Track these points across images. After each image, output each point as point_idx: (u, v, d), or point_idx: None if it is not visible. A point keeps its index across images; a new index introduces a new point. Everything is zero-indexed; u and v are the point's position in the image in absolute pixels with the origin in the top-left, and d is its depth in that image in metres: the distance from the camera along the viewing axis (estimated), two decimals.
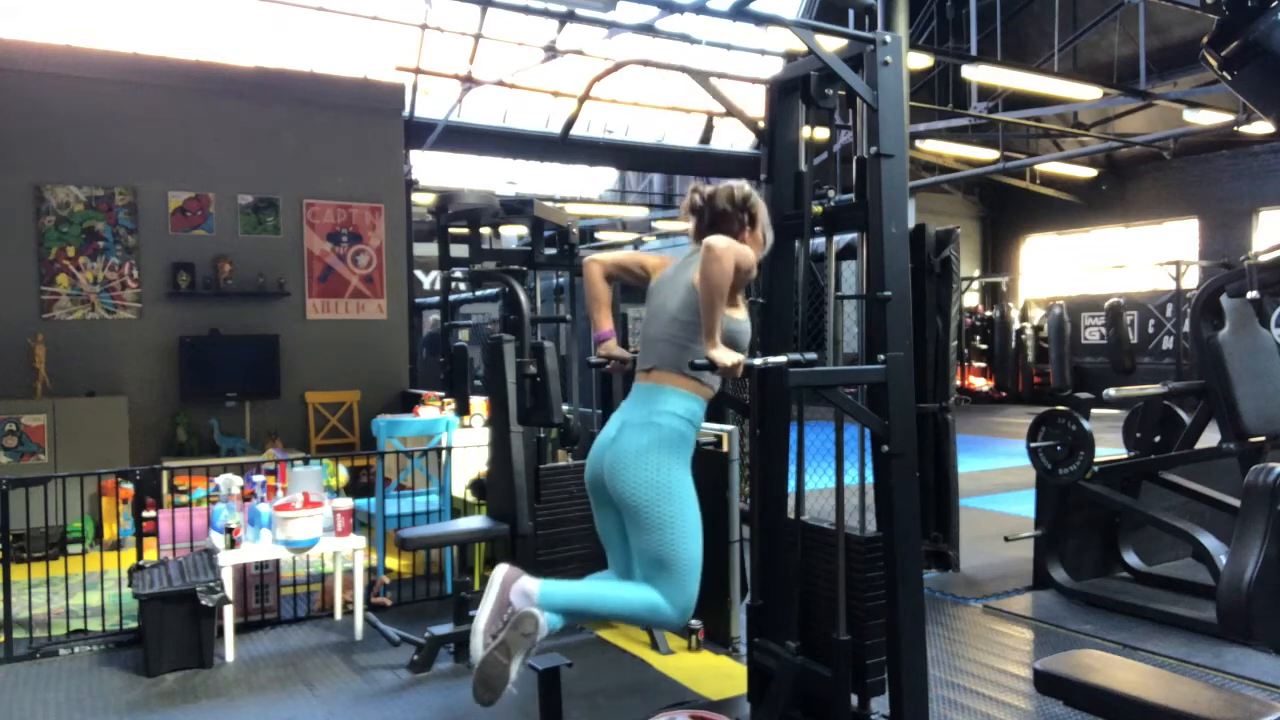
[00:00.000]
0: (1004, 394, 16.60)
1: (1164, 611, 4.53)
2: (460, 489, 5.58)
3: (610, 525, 2.78)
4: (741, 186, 2.79)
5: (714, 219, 2.77)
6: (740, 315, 2.69)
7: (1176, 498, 5.03)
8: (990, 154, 15.47)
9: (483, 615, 2.50)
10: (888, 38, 2.65)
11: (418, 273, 12.63)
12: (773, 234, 2.85)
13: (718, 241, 2.48)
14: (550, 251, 5.05)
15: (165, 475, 6.06)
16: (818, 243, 3.09)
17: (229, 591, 4.19)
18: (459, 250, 4.97)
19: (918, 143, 14.27)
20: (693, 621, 4.25)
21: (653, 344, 2.74)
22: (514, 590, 2.52)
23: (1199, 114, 12.18)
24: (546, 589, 2.54)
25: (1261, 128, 12.21)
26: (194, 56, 7.50)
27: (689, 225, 2.85)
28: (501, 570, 2.57)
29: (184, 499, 5.78)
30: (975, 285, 18.96)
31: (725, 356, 2.45)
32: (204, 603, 4.04)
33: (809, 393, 2.63)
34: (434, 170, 13.70)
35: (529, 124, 13.08)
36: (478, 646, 2.47)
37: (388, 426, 5.58)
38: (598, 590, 2.67)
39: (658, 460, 2.58)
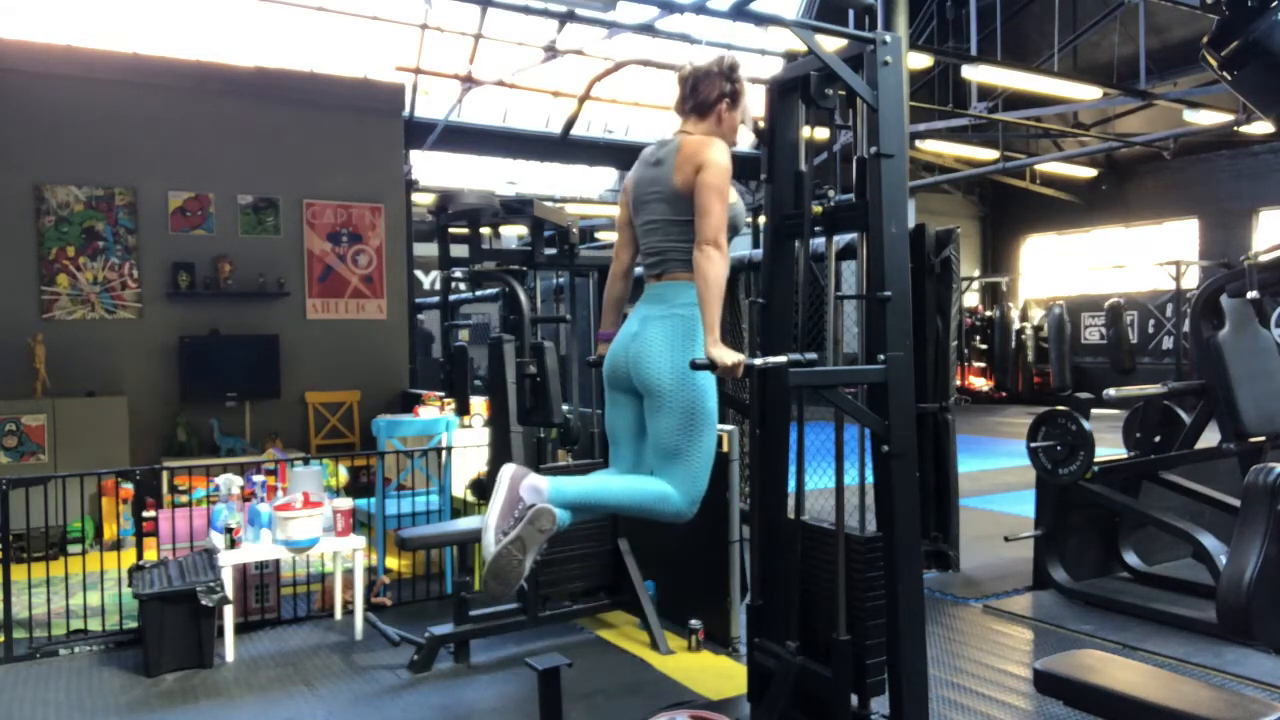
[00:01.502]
0: (1004, 394, 16.61)
1: (1164, 611, 4.53)
2: (460, 489, 5.58)
3: (621, 420, 2.84)
4: (732, 56, 2.85)
5: (696, 82, 2.82)
6: (733, 199, 2.74)
7: (1176, 498, 5.03)
8: (990, 154, 15.48)
9: (493, 512, 2.54)
10: (888, 38, 2.65)
11: (418, 273, 12.62)
12: (751, 124, 2.91)
13: (710, 245, 2.54)
14: (550, 251, 5.05)
15: (165, 475, 6.07)
16: (818, 243, 3.09)
17: (229, 591, 4.19)
18: (459, 250, 4.97)
19: (918, 143, 14.28)
20: (692, 621, 4.25)
21: (654, 252, 2.81)
22: (524, 486, 2.57)
23: (1199, 114, 12.19)
24: (556, 484, 2.60)
25: (1261, 128, 12.22)
26: (194, 56, 7.49)
27: (675, 97, 2.89)
28: (509, 469, 2.62)
29: (184, 499, 5.78)
30: (975, 285, 18.97)
31: (726, 356, 2.47)
32: (204, 603, 4.04)
33: (809, 393, 2.64)
34: (434, 170, 13.70)
35: (529, 124, 13.08)
36: (490, 543, 2.51)
37: (388, 426, 5.58)
38: (607, 483, 2.72)
39: (682, 348, 2.66)
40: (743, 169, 14.18)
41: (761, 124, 3.01)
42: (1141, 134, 14.41)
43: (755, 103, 2.90)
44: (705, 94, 2.81)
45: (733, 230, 2.72)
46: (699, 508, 2.71)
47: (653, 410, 2.69)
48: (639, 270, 2.95)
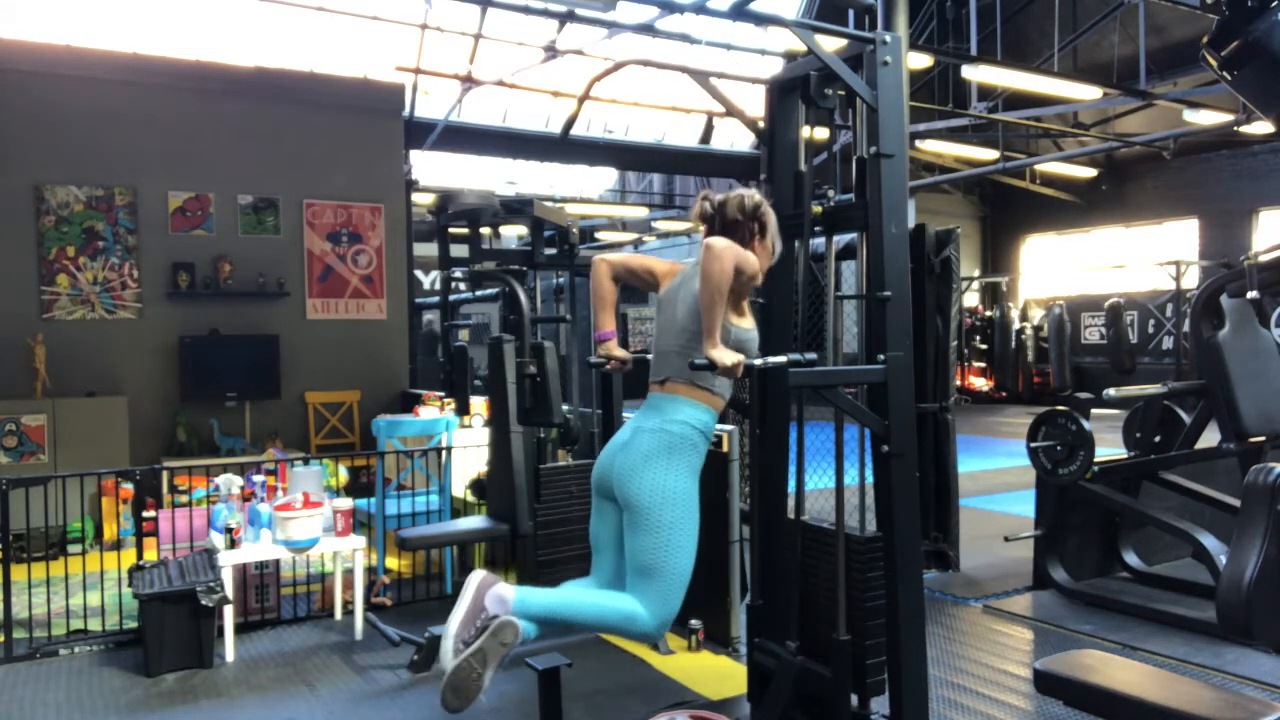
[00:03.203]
0: (1004, 394, 16.61)
1: (1164, 611, 4.53)
2: (460, 489, 5.58)
3: (605, 529, 2.79)
4: (752, 195, 2.80)
5: (724, 227, 2.77)
6: (747, 324, 2.71)
7: (1176, 498, 5.03)
8: (990, 154, 15.48)
9: (455, 620, 2.50)
10: (887, 38, 2.65)
11: (418, 273, 12.63)
12: (782, 243, 2.86)
13: (717, 241, 2.49)
14: (550, 251, 5.05)
15: (165, 475, 6.06)
16: (818, 243, 3.09)
17: (229, 591, 4.19)
18: (459, 250, 4.97)
19: (918, 143, 14.27)
20: (692, 621, 4.25)
21: (664, 356, 2.77)
22: (489, 596, 2.52)
23: (1199, 114, 12.19)
24: (522, 596, 2.55)
25: (1261, 128, 12.22)
26: (194, 56, 7.50)
27: (700, 232, 2.85)
28: (477, 576, 2.58)
29: (184, 499, 5.78)
30: (975, 285, 18.96)
31: (725, 356, 2.46)
32: (204, 603, 4.04)
33: (809, 393, 2.63)
34: (434, 170, 13.73)
35: (529, 124, 13.09)
36: (448, 652, 2.47)
37: (388, 426, 5.58)
38: (575, 598, 2.67)
39: (666, 464, 2.61)
40: (743, 169, 14.20)
41: (762, 125, 3.01)
42: (1141, 134, 14.41)
43: (775, 221, 2.82)
44: (735, 237, 2.73)
45: (745, 354, 2.65)
46: (668, 630, 2.66)
47: (630, 525, 2.63)
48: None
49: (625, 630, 2.62)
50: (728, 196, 2.80)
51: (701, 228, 2.83)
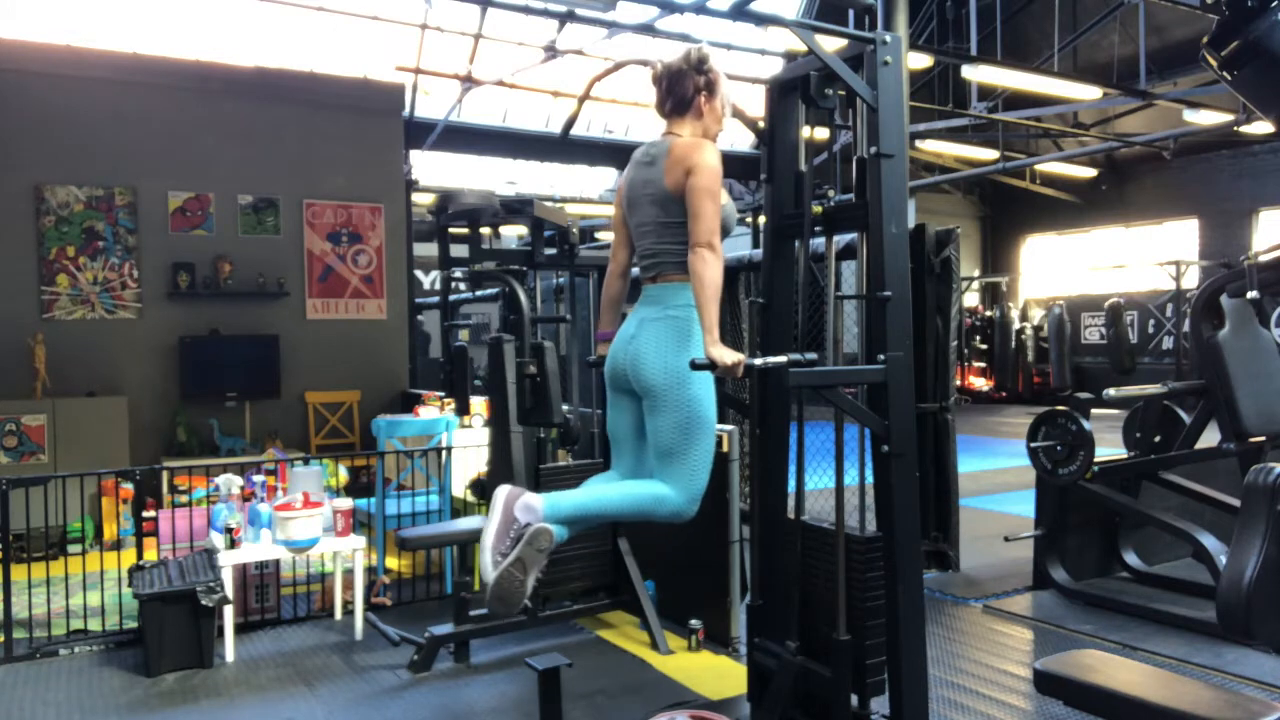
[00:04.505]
0: (1004, 394, 16.61)
1: (1164, 611, 4.53)
2: (460, 489, 5.58)
3: (622, 422, 2.87)
4: (700, 48, 2.84)
5: (670, 82, 2.81)
6: (723, 200, 2.74)
7: (1176, 498, 5.03)
8: (990, 154, 15.48)
9: (489, 535, 2.56)
10: (887, 38, 2.64)
11: (418, 273, 12.63)
12: (730, 108, 2.90)
13: (703, 245, 2.55)
14: (550, 251, 5.05)
15: (165, 475, 6.07)
16: (818, 243, 3.09)
17: (229, 591, 4.19)
18: (459, 250, 4.96)
19: (918, 143, 14.28)
20: (692, 621, 4.25)
21: (651, 254, 2.82)
22: (518, 506, 2.59)
23: (1199, 114, 12.19)
24: (551, 501, 2.61)
25: (1261, 128, 12.23)
26: (194, 56, 7.50)
27: (653, 99, 2.89)
28: (504, 490, 2.64)
29: (184, 499, 5.78)
30: (975, 285, 18.97)
31: (726, 356, 2.48)
32: (204, 603, 4.04)
33: (809, 393, 2.64)
34: (434, 170, 13.72)
35: (529, 124, 13.09)
36: (487, 565, 2.53)
37: (388, 426, 5.58)
38: (601, 492, 2.73)
39: (677, 346, 2.68)
40: (743, 169, 14.20)
41: (762, 125, 3.01)
42: (1141, 134, 14.42)
43: (732, 89, 2.88)
44: (681, 92, 2.80)
45: (724, 231, 2.73)
46: (698, 507, 2.71)
47: (650, 410, 2.71)
48: (635, 271, 2.96)
49: (656, 512, 2.67)
50: (676, 56, 2.84)
51: (654, 93, 2.85)
